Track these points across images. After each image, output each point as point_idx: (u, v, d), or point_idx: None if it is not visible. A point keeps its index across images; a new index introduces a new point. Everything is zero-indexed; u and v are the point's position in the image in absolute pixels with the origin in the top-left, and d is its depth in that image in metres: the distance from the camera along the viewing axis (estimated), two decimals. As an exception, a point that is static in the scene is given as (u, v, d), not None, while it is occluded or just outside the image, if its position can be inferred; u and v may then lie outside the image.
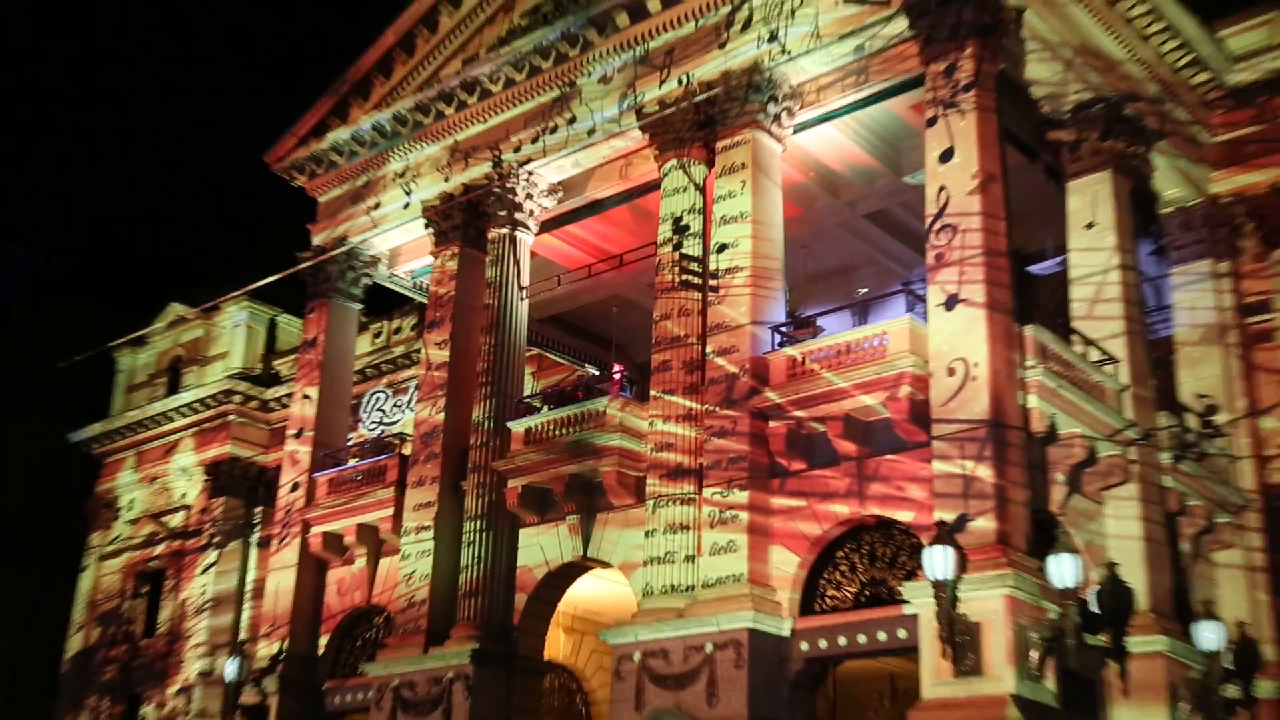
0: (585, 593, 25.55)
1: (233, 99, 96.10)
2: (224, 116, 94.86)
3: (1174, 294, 26.40)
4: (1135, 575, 20.42)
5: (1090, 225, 23.61)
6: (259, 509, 39.77)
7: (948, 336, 19.80)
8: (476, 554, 24.71)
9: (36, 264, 60.90)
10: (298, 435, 29.74)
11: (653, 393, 23.06)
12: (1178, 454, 22.87)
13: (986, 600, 17.88)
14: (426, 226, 28.49)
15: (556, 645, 27.06)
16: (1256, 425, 25.42)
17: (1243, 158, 26.75)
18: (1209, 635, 21.11)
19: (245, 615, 38.62)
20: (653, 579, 21.64)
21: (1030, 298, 21.75)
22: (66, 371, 36.78)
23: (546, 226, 28.04)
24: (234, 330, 42.98)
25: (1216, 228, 26.46)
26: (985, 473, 18.64)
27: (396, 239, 29.99)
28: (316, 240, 30.73)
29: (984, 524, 18.34)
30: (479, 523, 24.91)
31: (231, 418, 41.62)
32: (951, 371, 19.49)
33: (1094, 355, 22.07)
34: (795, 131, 24.05)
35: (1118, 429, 21.41)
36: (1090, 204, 23.73)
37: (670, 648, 20.64)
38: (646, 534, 22.23)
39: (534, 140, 26.96)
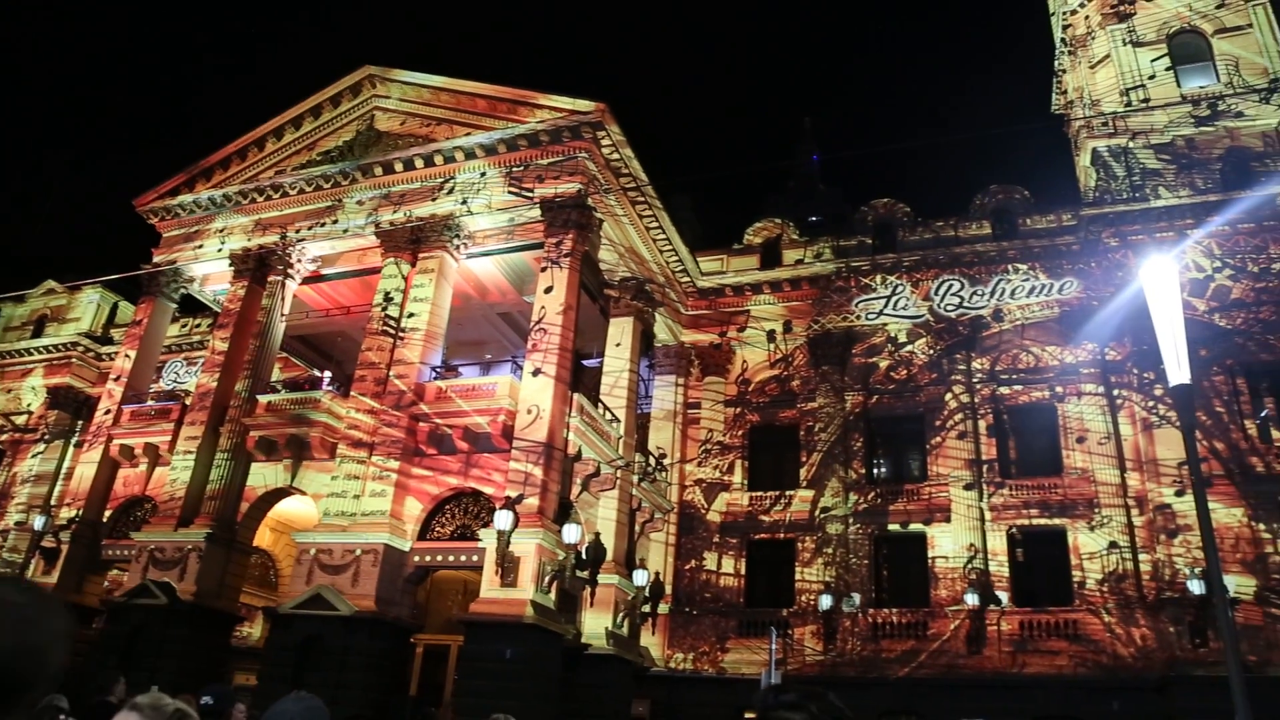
0: (287, 508, 23.12)
1: (118, 156, 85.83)
2: (109, 166, 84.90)
3: (655, 390, 27.45)
4: (609, 540, 20.80)
5: (618, 345, 24.24)
6: (80, 422, 34.24)
7: (531, 391, 19.58)
8: (221, 474, 21.92)
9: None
10: (117, 379, 25.66)
11: (353, 393, 21.41)
12: (641, 477, 23.60)
13: (525, 545, 17.68)
14: (230, 266, 25.41)
15: (263, 537, 24.33)
16: (683, 468, 26.72)
17: (699, 325, 28.34)
18: (640, 577, 21.83)
19: (56, 490, 32.86)
20: (332, 506, 19.90)
21: (580, 378, 21.89)
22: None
23: (307, 281, 25.61)
24: (88, 305, 37.16)
25: (680, 359, 27.81)
26: (538, 472, 18.48)
27: (209, 269, 26.50)
28: (156, 259, 26.83)
29: (532, 501, 18.11)
30: (226, 454, 22.10)
31: (74, 360, 35.83)
32: (530, 411, 19.28)
33: (608, 416, 22.47)
34: (468, 258, 23.32)
35: (613, 459, 21.85)
36: (620, 333, 24.37)
37: (335, 549, 19.08)
38: (333, 478, 20.45)
39: (310, 228, 24.68)
